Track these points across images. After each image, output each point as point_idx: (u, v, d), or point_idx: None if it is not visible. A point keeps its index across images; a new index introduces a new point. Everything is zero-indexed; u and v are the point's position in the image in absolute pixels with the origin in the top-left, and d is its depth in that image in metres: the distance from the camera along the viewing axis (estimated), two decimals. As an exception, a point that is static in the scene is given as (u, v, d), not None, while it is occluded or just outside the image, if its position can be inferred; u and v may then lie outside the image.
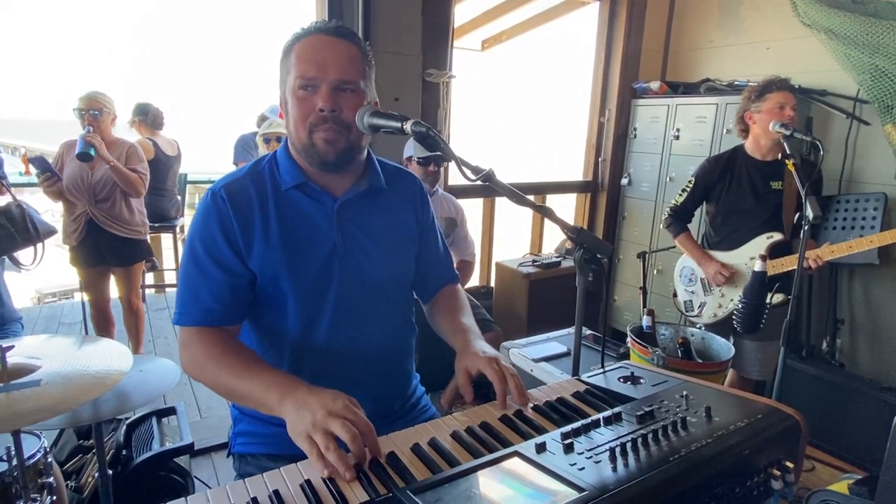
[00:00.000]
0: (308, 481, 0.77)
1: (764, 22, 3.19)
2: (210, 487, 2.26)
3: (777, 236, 2.23)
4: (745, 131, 2.32)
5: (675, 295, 2.56)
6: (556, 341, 2.12)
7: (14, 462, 1.23)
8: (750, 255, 2.28)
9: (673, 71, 3.70)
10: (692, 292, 2.46)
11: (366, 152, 1.18)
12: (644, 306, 2.91)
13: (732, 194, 2.32)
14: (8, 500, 1.28)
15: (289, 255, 1.09)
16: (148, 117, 3.97)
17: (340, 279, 1.12)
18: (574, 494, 0.70)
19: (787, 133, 1.95)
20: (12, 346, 1.10)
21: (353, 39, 1.08)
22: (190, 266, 1.08)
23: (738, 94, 3.05)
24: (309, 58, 1.04)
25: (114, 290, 3.15)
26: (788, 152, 1.87)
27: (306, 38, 1.06)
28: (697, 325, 2.41)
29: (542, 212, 1.06)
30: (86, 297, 3.05)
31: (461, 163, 0.94)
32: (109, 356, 1.19)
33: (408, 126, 0.92)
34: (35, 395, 1.00)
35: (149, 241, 3.19)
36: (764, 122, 2.21)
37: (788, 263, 2.14)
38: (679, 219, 2.45)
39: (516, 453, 0.81)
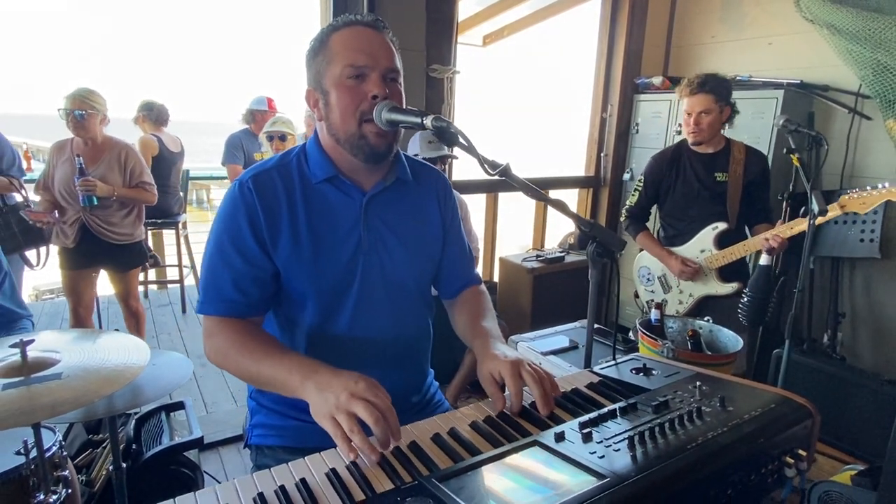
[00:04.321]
0: (333, 469, 0.79)
1: (766, 17, 3.20)
2: (219, 481, 2.28)
3: (721, 226, 2.25)
4: None
5: (636, 295, 2.59)
6: (563, 335, 2.13)
7: (32, 455, 1.25)
8: (700, 248, 2.31)
9: (675, 66, 3.71)
10: (652, 291, 2.49)
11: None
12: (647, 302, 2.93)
13: (679, 189, 2.35)
14: (25, 493, 1.29)
15: (315, 250, 1.09)
16: (153, 113, 3.97)
17: (363, 275, 1.13)
18: (596, 482, 0.72)
19: (792, 128, 1.96)
20: (32, 340, 1.11)
21: (390, 34, 1.10)
22: (215, 256, 1.09)
23: (740, 90, 3.07)
24: (356, 47, 1.04)
25: (109, 288, 3.03)
26: (793, 147, 1.88)
27: (347, 29, 1.06)
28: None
29: (557, 206, 1.07)
30: (68, 304, 2.89)
31: (482, 159, 0.95)
32: (127, 350, 1.20)
33: (428, 121, 0.93)
34: (58, 388, 1.01)
35: (144, 244, 3.02)
36: (684, 125, 2.28)
37: (738, 252, 2.18)
38: (637, 219, 2.48)
39: (536, 443, 0.82)
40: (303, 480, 0.76)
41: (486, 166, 0.96)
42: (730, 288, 2.23)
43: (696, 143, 2.26)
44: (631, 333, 2.19)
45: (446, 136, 0.92)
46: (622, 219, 2.52)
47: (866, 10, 2.48)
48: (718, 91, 2.18)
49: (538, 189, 1.04)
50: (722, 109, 2.20)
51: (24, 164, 4.86)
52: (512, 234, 3.71)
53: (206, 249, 1.12)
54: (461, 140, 0.93)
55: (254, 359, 1.01)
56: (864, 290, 2.88)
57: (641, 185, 2.43)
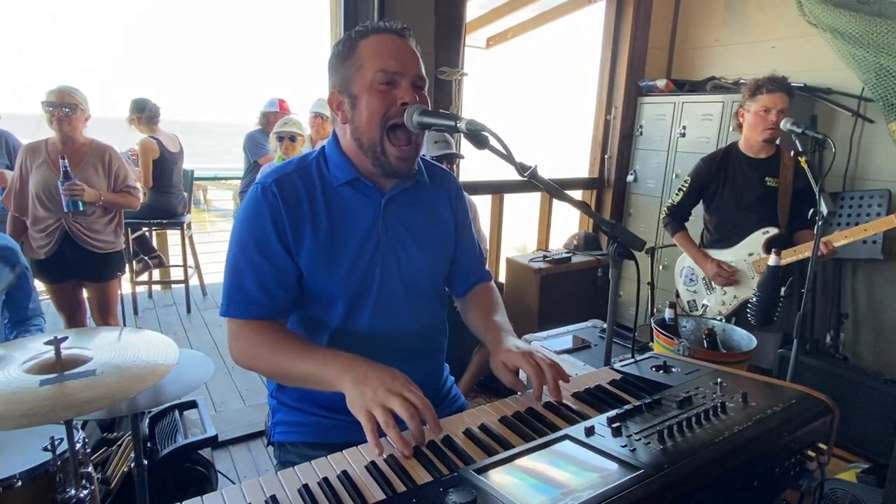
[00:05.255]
0: (373, 463, 0.81)
1: (769, 21, 3.24)
2: (231, 480, 2.28)
3: (773, 231, 2.27)
4: (740, 127, 2.37)
5: (677, 295, 2.60)
6: (574, 334, 2.16)
7: (59, 451, 1.27)
8: (748, 252, 2.32)
9: (679, 69, 3.75)
10: (694, 292, 2.50)
11: None
12: (652, 301, 2.96)
13: (728, 192, 2.36)
14: (51, 489, 1.31)
15: (337, 251, 1.11)
16: (145, 114, 3.91)
17: (382, 274, 1.15)
18: (631, 473, 0.74)
19: (799, 131, 1.99)
20: (66, 338, 1.13)
21: (414, 42, 1.12)
22: (239, 258, 1.09)
23: (744, 93, 3.12)
24: (388, 53, 1.06)
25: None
26: (801, 149, 1.91)
27: (376, 36, 1.08)
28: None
29: (580, 207, 1.10)
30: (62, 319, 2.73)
31: (518, 165, 0.98)
32: (156, 347, 1.22)
33: (462, 124, 0.95)
34: (93, 385, 1.03)
35: (124, 254, 2.86)
36: (751, 124, 2.28)
37: (790, 255, 2.20)
38: (676, 218, 2.49)
39: (567, 436, 0.85)
40: (344, 472, 0.79)
41: (518, 168, 0.98)
42: None
43: (769, 140, 2.26)
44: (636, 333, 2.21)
45: (479, 138, 0.94)
46: (662, 216, 2.54)
47: (869, 15, 2.52)
48: (792, 93, 2.23)
49: (562, 190, 1.07)
50: None
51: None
52: (508, 236, 3.73)
53: (228, 252, 1.13)
54: (492, 142, 0.95)
55: (288, 356, 1.03)
56: (866, 290, 2.91)
57: (686, 185, 2.44)
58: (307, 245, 1.10)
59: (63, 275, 2.63)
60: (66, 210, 2.45)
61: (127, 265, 2.99)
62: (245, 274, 1.09)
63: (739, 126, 2.37)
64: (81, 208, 2.46)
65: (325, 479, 0.77)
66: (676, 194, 2.48)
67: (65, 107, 2.46)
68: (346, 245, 1.12)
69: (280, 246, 1.08)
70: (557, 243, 3.82)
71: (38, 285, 2.72)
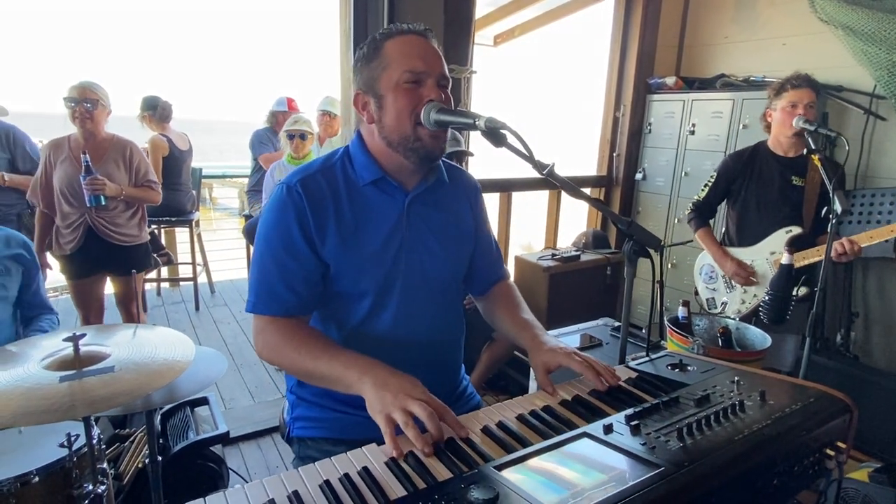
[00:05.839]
0: (392, 459, 0.82)
1: (780, 17, 3.22)
2: (242, 476, 2.27)
3: (796, 230, 2.26)
4: (769, 127, 2.36)
5: (696, 293, 2.59)
6: (583, 333, 2.16)
7: (76, 447, 1.27)
8: (770, 250, 2.31)
9: (688, 66, 3.73)
10: (713, 290, 2.48)
11: None
12: (661, 299, 2.95)
13: (753, 190, 2.34)
14: (67, 486, 1.31)
15: (362, 249, 1.13)
16: (157, 111, 3.92)
17: (406, 273, 1.17)
18: (651, 471, 0.74)
19: (812, 129, 1.98)
20: (84, 335, 1.13)
21: (437, 44, 1.14)
22: (265, 257, 1.12)
23: (754, 90, 3.10)
24: (414, 53, 1.08)
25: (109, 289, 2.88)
26: (814, 147, 1.90)
27: (401, 37, 1.10)
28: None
29: (597, 204, 1.10)
30: (78, 315, 2.78)
31: (535, 161, 0.98)
32: (172, 344, 1.23)
33: (481, 122, 0.95)
34: (111, 381, 1.04)
35: (149, 246, 2.90)
36: (779, 120, 2.27)
37: (814, 255, 2.18)
38: (700, 214, 2.48)
39: (585, 434, 0.85)
40: (365, 469, 0.79)
41: (536, 166, 0.99)
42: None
43: (798, 135, 2.23)
44: (643, 332, 2.21)
45: (497, 136, 0.94)
46: (687, 211, 2.53)
47: (882, 12, 2.50)
48: (817, 89, 2.23)
49: (578, 188, 1.07)
50: None
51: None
52: (512, 234, 3.74)
53: (254, 251, 1.16)
54: (510, 141, 0.95)
55: (311, 356, 1.05)
56: (877, 289, 2.89)
57: (712, 181, 2.43)
58: (331, 244, 1.12)
59: (89, 269, 2.66)
60: (88, 205, 2.49)
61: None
62: (271, 272, 1.11)
63: (768, 127, 2.35)
64: (104, 203, 2.50)
65: (346, 475, 0.78)
66: (702, 190, 2.47)
67: (86, 102, 2.48)
68: (370, 244, 1.14)
69: (305, 244, 1.10)
70: (564, 241, 3.81)
71: (55, 281, 2.73)
